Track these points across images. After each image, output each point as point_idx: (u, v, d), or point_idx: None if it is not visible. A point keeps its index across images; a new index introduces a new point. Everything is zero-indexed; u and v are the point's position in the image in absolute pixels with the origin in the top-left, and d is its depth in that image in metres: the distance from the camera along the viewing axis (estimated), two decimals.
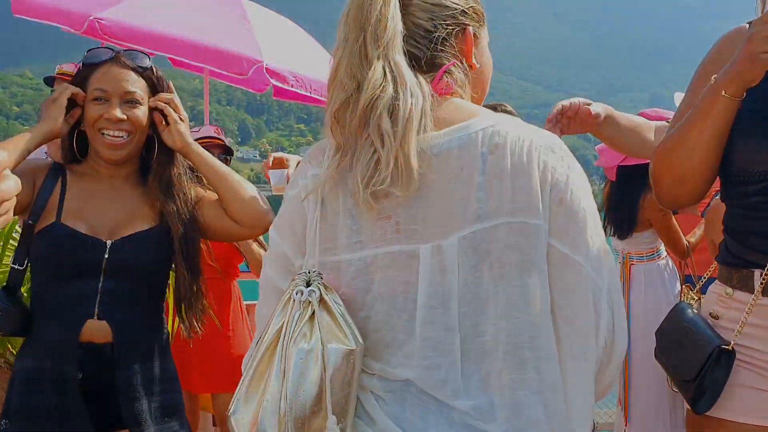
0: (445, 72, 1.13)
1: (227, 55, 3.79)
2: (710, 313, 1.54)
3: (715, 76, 1.41)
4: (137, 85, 1.85)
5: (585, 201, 1.08)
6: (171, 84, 1.94)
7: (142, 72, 1.87)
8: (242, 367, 1.07)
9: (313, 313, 1.02)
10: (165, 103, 1.88)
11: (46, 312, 1.79)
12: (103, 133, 1.81)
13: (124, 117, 1.81)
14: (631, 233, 3.61)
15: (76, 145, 1.90)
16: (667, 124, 2.07)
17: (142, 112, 1.85)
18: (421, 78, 1.10)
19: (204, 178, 1.92)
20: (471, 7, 1.19)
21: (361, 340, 1.03)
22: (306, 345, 1.00)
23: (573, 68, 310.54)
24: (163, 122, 1.88)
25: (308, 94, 4.14)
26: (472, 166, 1.05)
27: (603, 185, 3.84)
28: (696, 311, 1.57)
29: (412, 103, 1.05)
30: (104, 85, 1.82)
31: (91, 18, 3.55)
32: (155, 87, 1.90)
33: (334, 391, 0.99)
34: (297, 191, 1.15)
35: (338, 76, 1.09)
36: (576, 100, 2.01)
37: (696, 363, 1.47)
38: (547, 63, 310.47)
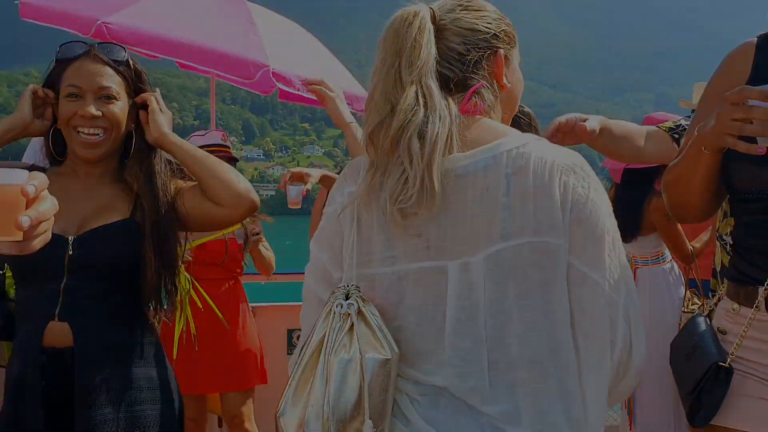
0: (474, 93, 1.19)
1: (234, 59, 3.80)
2: (718, 329, 1.58)
3: (701, 124, 1.43)
4: (112, 80, 1.75)
5: (603, 220, 1.13)
6: (158, 90, 1.86)
7: (118, 66, 1.77)
8: (288, 369, 1.14)
9: (352, 324, 1.10)
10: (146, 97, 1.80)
11: (20, 314, 1.72)
12: (78, 131, 1.72)
13: (99, 114, 1.71)
14: (636, 237, 3.61)
15: (55, 144, 1.81)
16: (658, 129, 2.09)
17: (118, 108, 1.75)
18: (450, 100, 1.16)
19: (182, 165, 1.83)
20: (503, 30, 1.24)
21: (396, 349, 1.10)
22: (346, 355, 1.07)
23: (578, 68, 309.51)
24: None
25: (314, 98, 4.14)
26: (497, 186, 1.11)
27: (609, 187, 3.83)
28: (709, 324, 1.60)
29: (439, 127, 1.11)
30: (77, 81, 1.72)
31: (99, 22, 3.55)
32: (133, 81, 1.80)
33: (372, 397, 1.06)
34: (334, 208, 1.22)
35: (374, 99, 1.15)
36: (572, 116, 2.04)
37: (695, 377, 1.49)
38: (552, 63, 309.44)
